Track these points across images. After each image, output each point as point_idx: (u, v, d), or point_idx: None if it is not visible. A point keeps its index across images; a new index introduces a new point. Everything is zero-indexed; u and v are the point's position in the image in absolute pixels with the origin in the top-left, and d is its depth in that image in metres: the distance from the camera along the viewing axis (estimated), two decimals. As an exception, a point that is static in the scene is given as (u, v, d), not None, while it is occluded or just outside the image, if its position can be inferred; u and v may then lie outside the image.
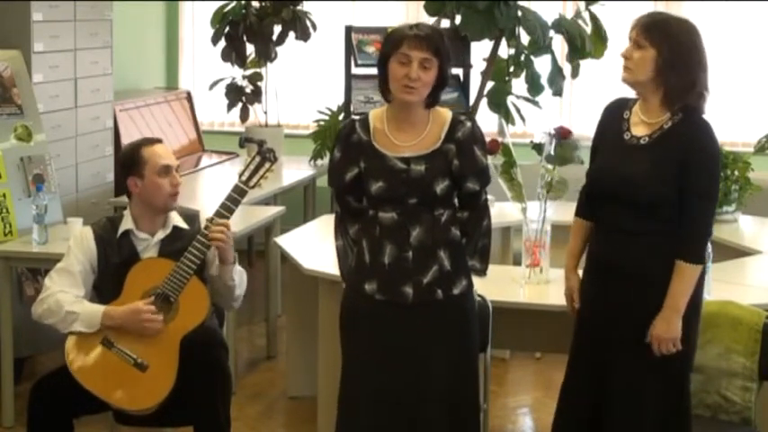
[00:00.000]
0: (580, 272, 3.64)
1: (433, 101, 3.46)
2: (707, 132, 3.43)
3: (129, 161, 3.98)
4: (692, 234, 3.41)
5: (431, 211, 3.44)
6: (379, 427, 3.46)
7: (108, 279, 3.94)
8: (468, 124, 3.48)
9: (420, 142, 3.45)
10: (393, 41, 3.40)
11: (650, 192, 3.38)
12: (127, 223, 3.99)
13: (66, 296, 3.87)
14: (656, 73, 3.41)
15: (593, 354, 3.48)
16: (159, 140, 4.08)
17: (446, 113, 3.50)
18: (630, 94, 3.57)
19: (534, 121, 6.70)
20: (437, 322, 3.46)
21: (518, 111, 6.27)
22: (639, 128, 3.48)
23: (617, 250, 3.44)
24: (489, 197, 3.95)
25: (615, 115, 3.54)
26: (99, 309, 3.85)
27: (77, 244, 3.99)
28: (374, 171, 3.45)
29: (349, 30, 6.50)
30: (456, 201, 3.52)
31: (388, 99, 3.47)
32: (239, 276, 3.99)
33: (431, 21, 6.19)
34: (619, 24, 7.06)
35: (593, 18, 6.09)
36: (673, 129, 3.43)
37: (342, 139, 3.54)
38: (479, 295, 3.75)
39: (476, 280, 3.59)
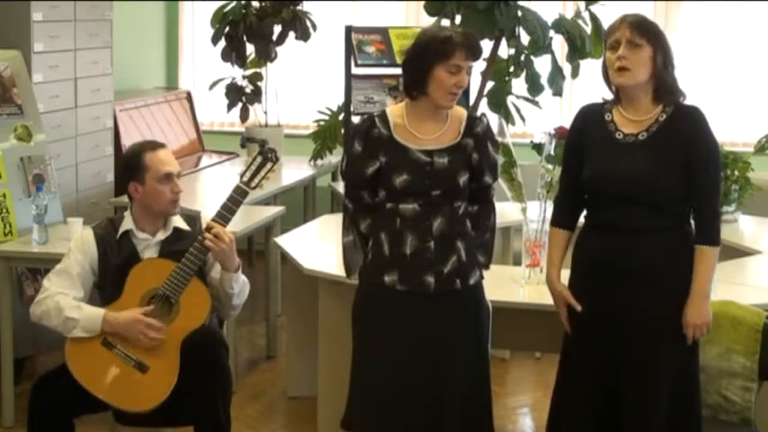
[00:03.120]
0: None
1: None
2: (705, 122, 3.49)
3: (131, 166, 3.97)
4: (708, 219, 3.49)
5: (451, 203, 3.51)
6: (397, 416, 3.49)
7: (109, 279, 3.94)
8: (485, 121, 3.60)
9: (441, 136, 3.53)
10: (444, 49, 3.45)
11: (663, 188, 3.42)
12: (127, 224, 3.99)
13: (65, 300, 3.87)
14: (652, 71, 3.45)
15: (603, 352, 3.49)
16: (162, 145, 4.06)
17: (461, 110, 3.61)
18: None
19: (534, 121, 6.70)
20: (455, 311, 3.53)
21: (518, 111, 6.27)
22: (629, 126, 3.50)
23: (627, 249, 3.44)
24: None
25: (594, 119, 3.56)
26: (98, 314, 3.84)
27: (77, 245, 3.99)
28: (397, 164, 3.50)
29: (349, 30, 6.50)
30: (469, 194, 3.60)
31: (414, 97, 3.53)
32: (240, 286, 3.97)
33: (431, 21, 6.20)
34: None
35: (593, 18, 6.09)
36: (669, 122, 3.47)
37: (362, 135, 3.58)
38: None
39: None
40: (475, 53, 3.49)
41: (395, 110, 3.59)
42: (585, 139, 3.56)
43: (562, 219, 3.66)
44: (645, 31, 3.44)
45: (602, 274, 3.50)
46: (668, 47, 3.48)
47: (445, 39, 3.46)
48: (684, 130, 3.45)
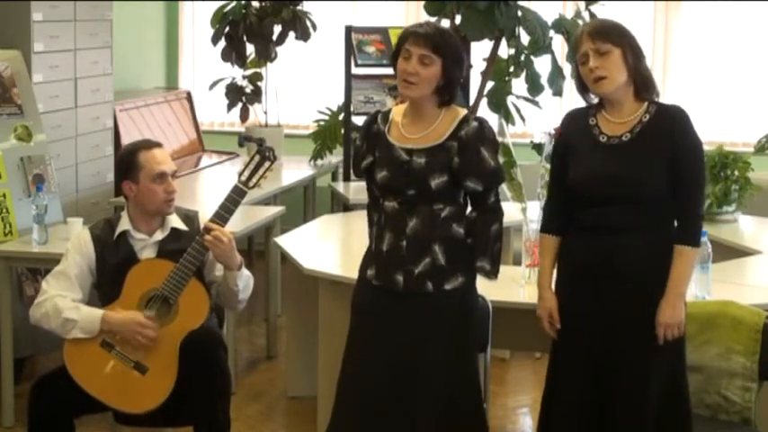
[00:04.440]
0: None
1: (449, 99, 3.54)
2: (688, 120, 3.47)
3: (126, 164, 3.97)
4: (690, 219, 3.47)
5: (429, 205, 3.49)
6: (369, 416, 3.50)
7: (107, 280, 3.94)
8: (475, 124, 3.52)
9: (425, 136, 3.52)
10: (400, 39, 3.52)
11: (648, 187, 3.42)
12: (124, 224, 3.99)
13: (64, 301, 3.86)
14: (627, 70, 3.45)
15: (592, 354, 3.47)
16: (158, 144, 4.06)
17: (459, 112, 3.57)
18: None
19: (534, 121, 6.70)
20: (427, 314, 3.51)
21: (518, 111, 6.27)
22: (613, 128, 3.49)
23: (614, 250, 3.43)
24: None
25: (578, 124, 3.56)
26: (97, 315, 3.84)
27: (75, 247, 3.98)
28: (381, 160, 3.54)
29: (349, 30, 6.51)
30: (465, 199, 3.57)
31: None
32: (245, 282, 3.97)
33: (431, 21, 6.19)
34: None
35: (593, 18, 6.08)
36: (653, 121, 3.47)
37: (363, 129, 3.65)
38: (479, 296, 3.75)
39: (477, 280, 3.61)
40: (422, 40, 3.44)
41: (399, 108, 3.62)
42: (570, 144, 3.56)
43: (552, 224, 3.63)
44: (607, 36, 3.43)
45: (590, 275, 3.48)
46: (634, 42, 3.48)
47: (404, 29, 3.55)
48: (668, 129, 3.44)
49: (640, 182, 3.42)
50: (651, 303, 3.43)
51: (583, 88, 3.55)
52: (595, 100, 3.57)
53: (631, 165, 3.42)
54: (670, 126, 3.44)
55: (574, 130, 3.57)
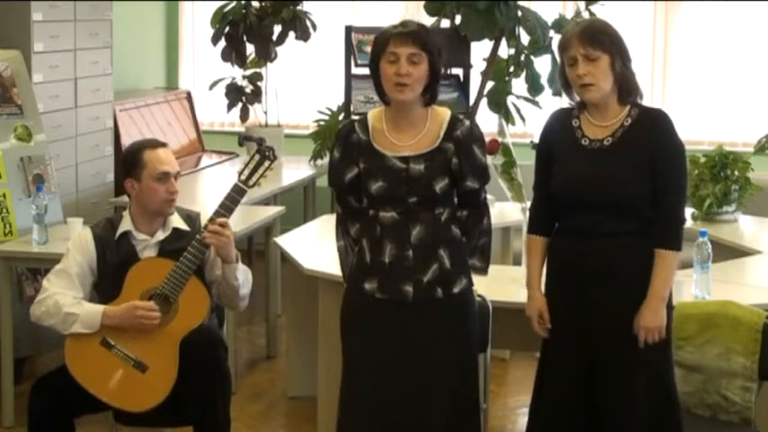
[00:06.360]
0: None
1: (431, 98, 3.48)
2: (670, 125, 3.46)
3: (130, 162, 3.98)
4: (671, 223, 3.45)
5: (431, 210, 3.45)
6: (378, 427, 3.46)
7: (107, 280, 3.94)
8: (467, 123, 3.49)
9: (419, 141, 3.46)
10: (380, 42, 3.43)
11: (631, 192, 3.41)
12: (126, 224, 3.99)
13: (64, 297, 3.87)
14: (614, 77, 3.43)
15: (580, 359, 3.47)
16: (164, 144, 4.06)
17: (444, 112, 3.52)
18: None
19: (534, 121, 6.70)
20: (437, 321, 3.47)
21: (518, 111, 6.26)
22: (596, 131, 3.48)
23: (597, 254, 3.42)
24: (489, 197, 3.95)
25: (561, 125, 3.54)
26: (98, 309, 3.85)
27: (76, 246, 3.99)
28: (374, 171, 3.45)
29: (349, 30, 6.50)
30: (455, 199, 3.53)
31: (386, 101, 3.49)
32: (243, 275, 3.97)
33: (430, 21, 6.20)
34: (619, 24, 7.10)
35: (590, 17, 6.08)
36: (635, 125, 3.46)
37: (341, 140, 3.54)
38: (479, 295, 3.75)
39: (476, 279, 3.60)
40: (409, 39, 3.38)
41: (375, 114, 3.54)
42: (552, 145, 3.54)
43: (539, 225, 3.62)
44: (598, 42, 3.41)
45: (577, 277, 3.47)
46: (623, 46, 3.45)
47: (381, 32, 3.45)
48: (650, 133, 3.43)
49: (624, 186, 3.41)
50: (637, 305, 3.42)
51: (567, 86, 3.54)
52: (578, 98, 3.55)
53: (614, 169, 3.41)
54: (653, 130, 3.44)
55: (556, 131, 3.55)
